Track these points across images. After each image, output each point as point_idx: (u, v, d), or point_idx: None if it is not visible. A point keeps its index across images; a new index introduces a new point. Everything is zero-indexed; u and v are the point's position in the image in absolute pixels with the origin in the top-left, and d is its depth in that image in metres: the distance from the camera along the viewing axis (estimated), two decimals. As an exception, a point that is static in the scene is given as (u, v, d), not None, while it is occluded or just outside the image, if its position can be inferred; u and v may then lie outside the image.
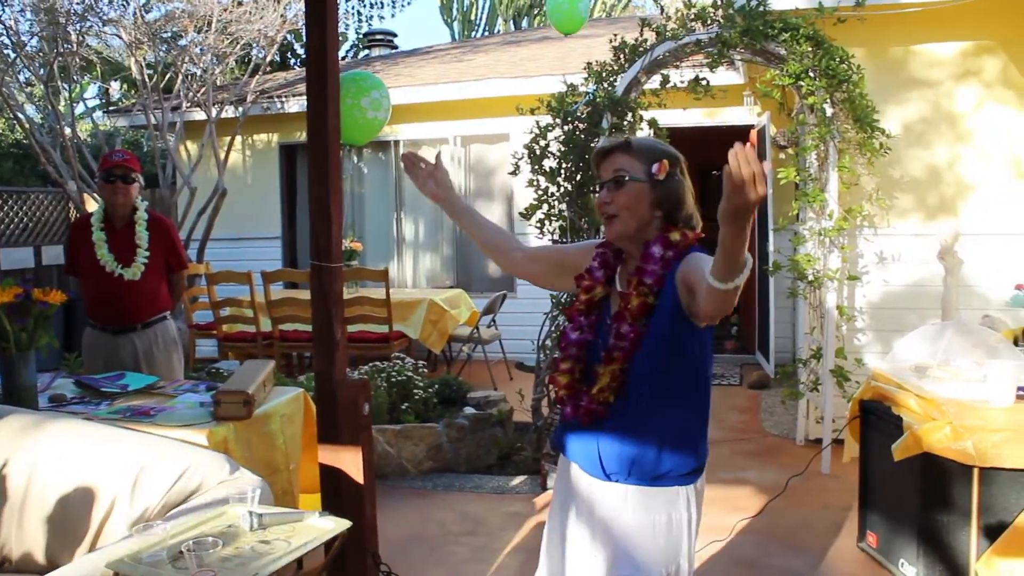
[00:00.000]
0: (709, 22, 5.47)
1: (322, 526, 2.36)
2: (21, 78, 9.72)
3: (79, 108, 10.83)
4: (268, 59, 9.82)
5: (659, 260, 2.06)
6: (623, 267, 2.22)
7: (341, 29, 15.18)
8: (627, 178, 2.10)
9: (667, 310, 2.04)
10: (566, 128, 5.38)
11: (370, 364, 5.86)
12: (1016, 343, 4.19)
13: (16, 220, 9.33)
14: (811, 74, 5.21)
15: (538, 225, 5.42)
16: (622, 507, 2.10)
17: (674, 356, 2.05)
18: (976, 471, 3.26)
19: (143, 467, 2.66)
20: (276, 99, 9.72)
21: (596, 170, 2.20)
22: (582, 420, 2.13)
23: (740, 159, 1.56)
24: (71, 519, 2.67)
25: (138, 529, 2.17)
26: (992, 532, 3.26)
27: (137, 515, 2.59)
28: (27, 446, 2.82)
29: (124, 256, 4.40)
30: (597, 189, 2.19)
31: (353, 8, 18.01)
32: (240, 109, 9.43)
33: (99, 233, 4.46)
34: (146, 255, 4.41)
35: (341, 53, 14.25)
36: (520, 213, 5.59)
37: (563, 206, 5.36)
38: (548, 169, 5.37)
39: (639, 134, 5.59)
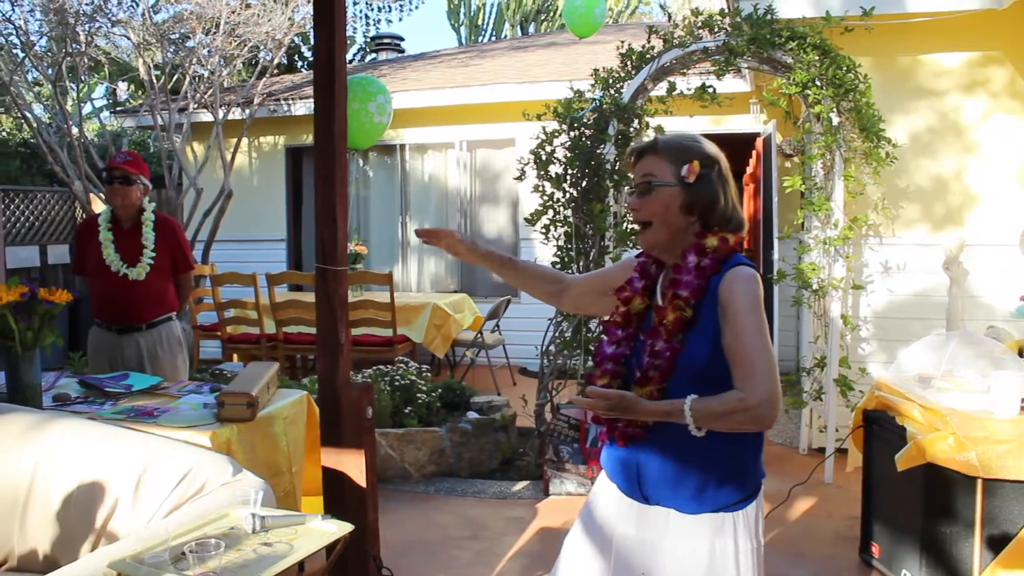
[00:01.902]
0: (716, 30, 5.48)
1: (324, 529, 2.36)
2: (29, 78, 9.76)
3: (86, 108, 10.88)
4: (275, 62, 9.85)
5: (694, 270, 1.96)
6: (664, 277, 2.10)
7: (348, 33, 15.23)
8: (654, 183, 2.01)
9: (708, 332, 1.94)
10: (572, 134, 5.39)
11: (374, 368, 5.86)
12: (1021, 354, 4.18)
13: (22, 219, 9.35)
14: (818, 83, 5.22)
15: (543, 231, 5.42)
16: (662, 532, 2.01)
17: (717, 380, 1.91)
18: (980, 482, 3.25)
19: (146, 468, 2.67)
20: (283, 102, 9.74)
21: (631, 172, 2.12)
22: (619, 442, 2.04)
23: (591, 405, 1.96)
24: (74, 519, 2.68)
25: (141, 530, 2.17)
26: (995, 544, 3.25)
27: (140, 516, 2.59)
28: (31, 445, 2.83)
29: (130, 256, 4.42)
30: (632, 192, 2.11)
31: (361, 12, 18.05)
32: (247, 111, 9.44)
33: (106, 233, 4.49)
34: (152, 256, 4.43)
35: (348, 57, 14.29)
36: (525, 218, 5.60)
37: (568, 212, 5.36)
38: (554, 175, 5.38)
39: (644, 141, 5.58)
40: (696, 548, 1.98)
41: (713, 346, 1.93)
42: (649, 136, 5.62)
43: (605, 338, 2.15)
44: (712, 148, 2.07)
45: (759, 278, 1.96)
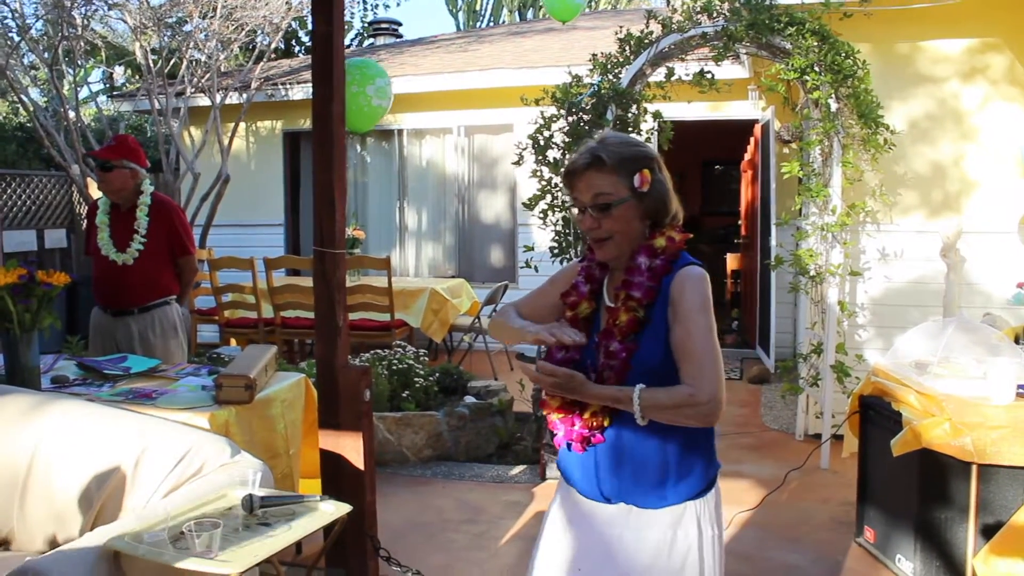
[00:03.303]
0: (715, 15, 5.46)
1: (322, 510, 2.37)
2: (26, 61, 9.72)
3: (83, 92, 10.82)
4: (273, 46, 9.81)
5: (646, 272, 1.97)
6: (609, 279, 2.10)
7: (346, 17, 15.13)
8: (613, 202, 1.97)
9: (660, 332, 1.95)
10: (570, 119, 5.38)
11: (371, 352, 5.87)
12: (1017, 341, 4.20)
13: (19, 203, 9.33)
14: (816, 69, 5.21)
15: (541, 216, 5.42)
16: (624, 528, 2.02)
17: (670, 379, 1.93)
18: (975, 468, 3.27)
19: (145, 449, 2.68)
20: (280, 86, 9.71)
21: (569, 189, 2.05)
22: (576, 447, 2.04)
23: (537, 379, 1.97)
24: (73, 499, 2.69)
25: (140, 510, 2.18)
26: (989, 529, 3.27)
27: (139, 496, 2.60)
28: (30, 427, 2.84)
29: (122, 241, 4.41)
30: (572, 205, 2.05)
31: (358, -4, 18.00)
32: (244, 96, 9.42)
33: (103, 217, 4.50)
34: (142, 241, 4.41)
35: (346, 41, 14.21)
36: (523, 203, 5.60)
37: (567, 197, 5.36)
38: (552, 160, 5.37)
39: (643, 126, 5.58)
40: (660, 538, 2.00)
41: (666, 346, 1.95)
42: (647, 121, 5.62)
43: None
44: (647, 145, 2.08)
45: (708, 278, 1.99)
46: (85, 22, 8.89)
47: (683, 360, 1.91)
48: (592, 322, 2.09)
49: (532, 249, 5.51)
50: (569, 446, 2.07)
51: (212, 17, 8.92)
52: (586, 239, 2.23)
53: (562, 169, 2.16)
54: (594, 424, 2.00)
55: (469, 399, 5.69)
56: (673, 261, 1.99)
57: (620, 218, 1.99)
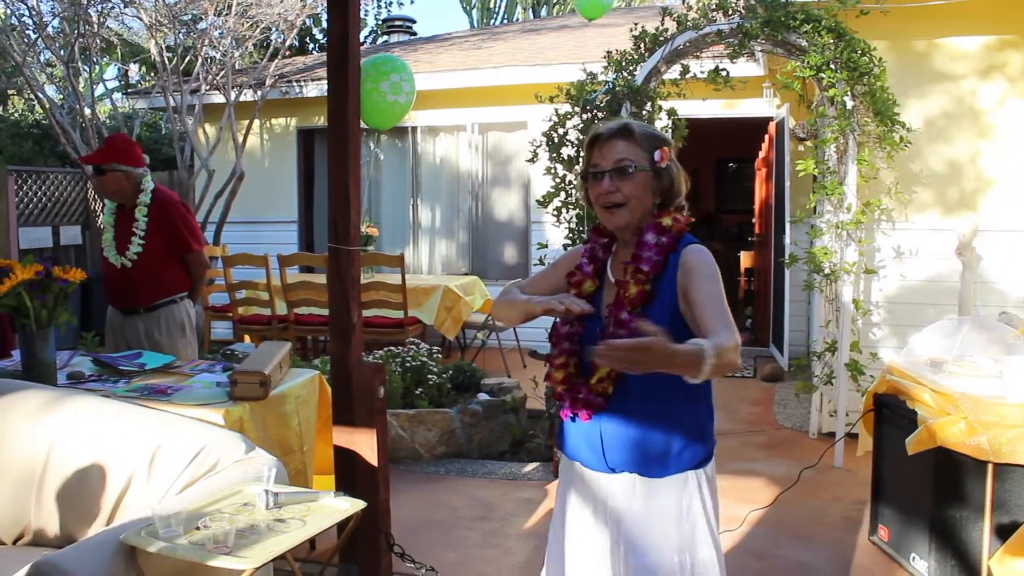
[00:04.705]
0: (730, 12, 5.44)
1: (337, 506, 2.38)
2: (42, 59, 9.77)
3: (99, 89, 10.87)
4: (287, 43, 9.84)
5: (654, 247, 2.07)
6: (613, 258, 2.22)
7: (360, 14, 15.14)
8: (634, 167, 2.09)
9: (666, 306, 2.04)
10: (585, 116, 5.38)
11: (385, 349, 5.88)
12: (1033, 340, 4.16)
13: (35, 200, 9.39)
14: (832, 66, 5.18)
15: (554, 213, 5.42)
16: (630, 497, 2.11)
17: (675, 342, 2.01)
18: (990, 467, 3.25)
19: (160, 445, 2.69)
20: (295, 83, 9.73)
21: (588, 156, 2.17)
22: (583, 412, 2.12)
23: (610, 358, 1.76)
24: (89, 495, 2.71)
25: (155, 505, 2.19)
26: (1005, 529, 3.25)
27: (154, 492, 2.62)
28: (46, 422, 2.85)
29: (124, 242, 4.41)
30: (589, 173, 2.13)
31: (373, -7, 18.00)
32: (259, 93, 9.44)
33: (108, 217, 4.51)
34: (140, 243, 4.39)
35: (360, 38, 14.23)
36: (537, 201, 5.60)
37: (580, 194, 5.35)
38: (566, 157, 5.37)
39: (658, 123, 5.58)
40: (664, 505, 2.08)
41: (671, 317, 2.03)
42: (662, 119, 5.61)
43: (558, 320, 2.23)
44: (666, 134, 2.22)
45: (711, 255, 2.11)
46: (101, 20, 8.92)
47: (706, 313, 1.96)
48: (594, 298, 2.18)
49: (545, 246, 5.51)
50: (574, 417, 2.14)
51: (227, 14, 8.95)
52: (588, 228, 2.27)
53: (587, 136, 2.21)
54: (599, 390, 2.08)
55: (482, 396, 5.69)
56: (678, 240, 2.10)
57: (638, 185, 2.09)
